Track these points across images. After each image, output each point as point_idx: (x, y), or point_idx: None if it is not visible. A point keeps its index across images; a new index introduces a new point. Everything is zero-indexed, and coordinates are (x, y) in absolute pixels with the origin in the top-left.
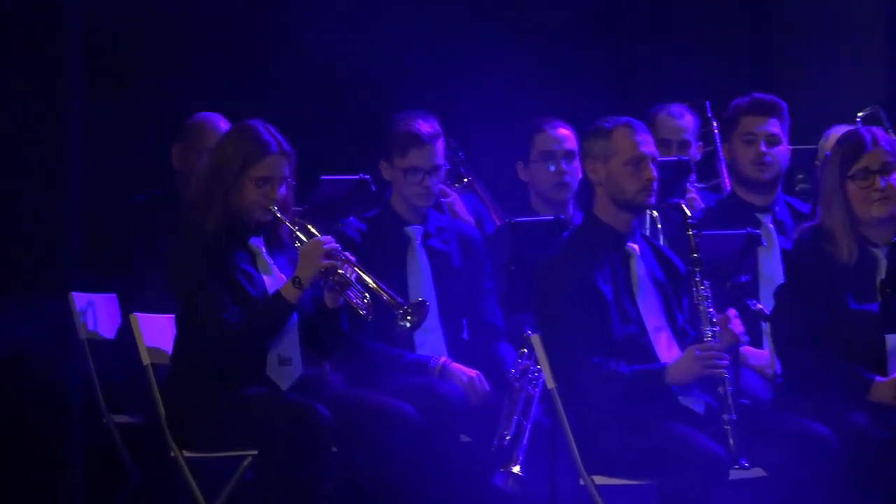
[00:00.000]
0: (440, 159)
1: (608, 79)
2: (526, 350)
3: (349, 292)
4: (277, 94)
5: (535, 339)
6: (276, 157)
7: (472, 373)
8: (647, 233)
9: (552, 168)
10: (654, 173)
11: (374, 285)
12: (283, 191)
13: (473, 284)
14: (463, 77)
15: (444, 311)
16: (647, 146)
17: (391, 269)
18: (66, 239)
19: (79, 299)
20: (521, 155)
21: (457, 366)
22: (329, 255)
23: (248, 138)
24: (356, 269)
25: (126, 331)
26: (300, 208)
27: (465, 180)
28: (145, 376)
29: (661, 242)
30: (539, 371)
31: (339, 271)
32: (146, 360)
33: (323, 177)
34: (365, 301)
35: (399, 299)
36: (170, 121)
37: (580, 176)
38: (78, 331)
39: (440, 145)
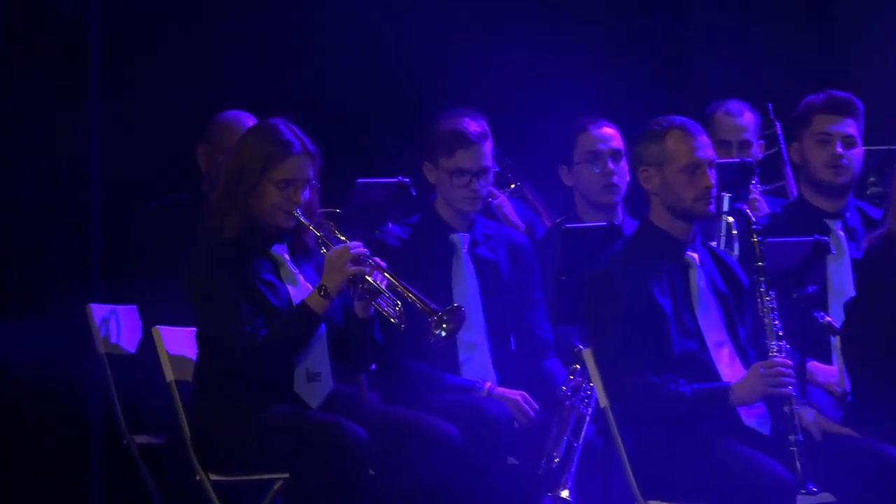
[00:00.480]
0: (488, 160)
1: (659, 76)
2: (578, 366)
3: (380, 300)
4: (309, 90)
5: (587, 355)
6: (300, 157)
7: (518, 394)
8: (723, 241)
9: (598, 169)
10: (713, 180)
11: (406, 292)
12: (307, 194)
13: (522, 296)
14: (504, 77)
15: (492, 325)
16: (704, 151)
17: (435, 280)
18: (86, 246)
19: (98, 311)
20: (563, 158)
21: (502, 390)
22: (357, 260)
23: (269, 138)
24: (387, 275)
25: (148, 345)
26: (333, 211)
27: (513, 186)
28: (168, 394)
29: (735, 251)
30: (591, 388)
31: (368, 278)
32: (170, 376)
33: (359, 180)
34: (396, 309)
35: (433, 306)
36: (194, 120)
37: (628, 178)
38: (97, 345)
39: (488, 146)
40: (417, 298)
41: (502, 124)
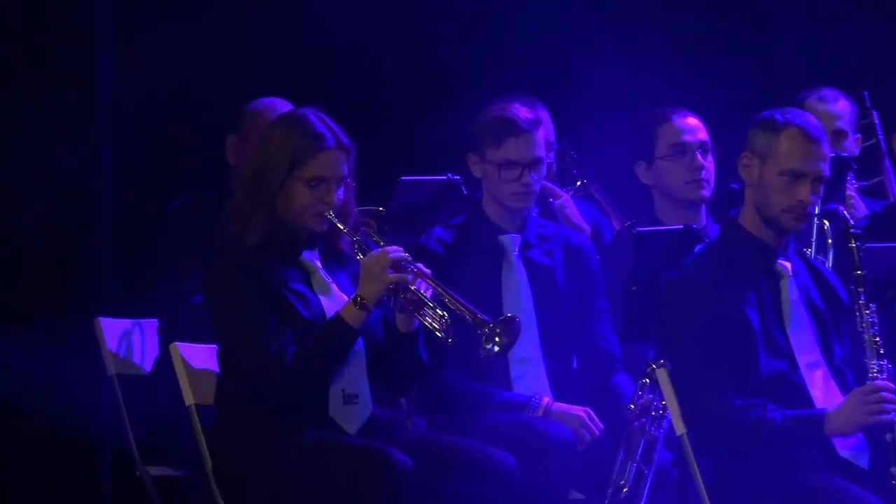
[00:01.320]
0: (541, 151)
1: (743, 62)
2: (647, 381)
3: (424, 311)
4: (346, 79)
5: (662, 374)
6: (332, 152)
7: (582, 410)
8: (814, 247)
9: (685, 164)
10: (812, 197)
11: (454, 302)
12: (340, 193)
13: (583, 305)
14: (573, 61)
15: (547, 337)
16: (816, 163)
17: (482, 288)
18: (95, 252)
19: (108, 326)
20: (642, 153)
21: (562, 405)
22: (397, 266)
23: (298, 131)
24: (431, 283)
25: (165, 364)
26: (375, 209)
27: (579, 183)
28: (188, 419)
29: (829, 260)
30: (664, 407)
31: (411, 287)
32: (189, 399)
33: (402, 178)
34: (443, 321)
35: (483, 317)
36: (216, 111)
37: (714, 176)
38: (106, 364)
39: (541, 134)
40: (466, 309)
41: (567, 115)
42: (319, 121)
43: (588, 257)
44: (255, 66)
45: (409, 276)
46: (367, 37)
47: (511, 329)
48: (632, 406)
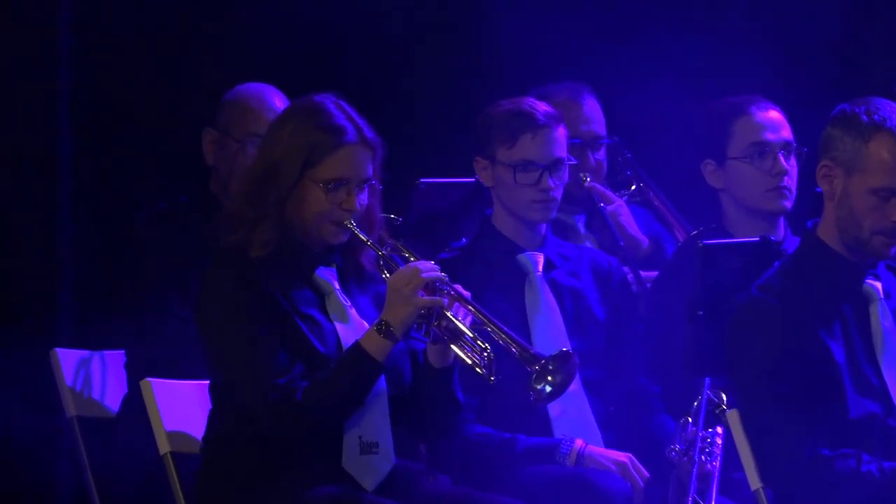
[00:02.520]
0: (562, 150)
1: (833, 52)
2: (689, 418)
3: (461, 343)
4: (351, 60)
5: (732, 417)
6: (354, 148)
7: (623, 456)
8: None
9: (766, 166)
10: None
11: (498, 331)
12: (364, 198)
13: (618, 333)
14: (627, 39)
15: (587, 370)
16: None
17: (504, 316)
18: (52, 272)
19: (66, 358)
20: (711, 151)
21: (600, 450)
22: (431, 288)
23: (312, 122)
24: (472, 308)
25: (135, 404)
26: (389, 218)
27: (634, 187)
28: (163, 471)
29: None
30: (713, 435)
31: (447, 312)
32: (164, 447)
33: (422, 180)
34: (485, 356)
35: (535, 351)
36: (190, 105)
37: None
38: (64, 404)
39: (562, 132)
40: (514, 341)
41: (620, 105)
42: (339, 110)
43: (621, 280)
44: (239, 48)
45: (445, 300)
46: (378, 3)
47: (566, 366)
48: (674, 447)
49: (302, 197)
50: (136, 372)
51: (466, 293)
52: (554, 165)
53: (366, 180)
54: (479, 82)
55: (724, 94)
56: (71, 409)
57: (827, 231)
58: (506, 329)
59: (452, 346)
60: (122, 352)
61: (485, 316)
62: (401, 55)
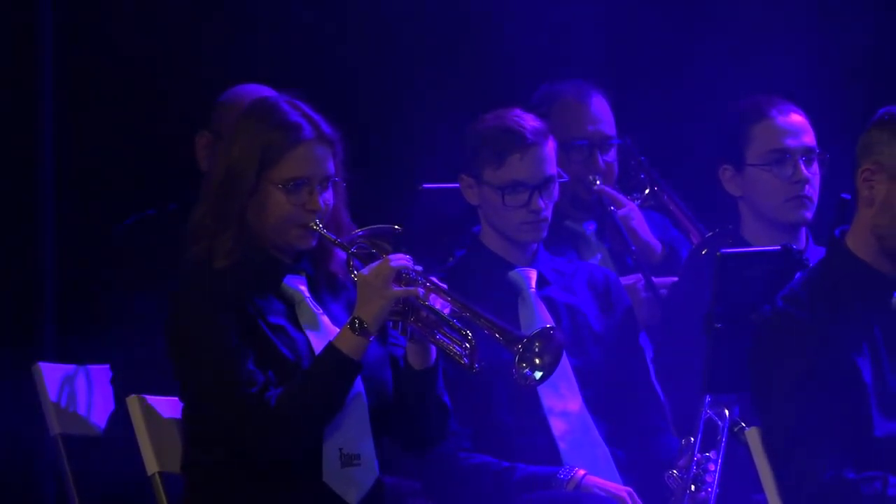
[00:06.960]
0: (552, 167)
1: (862, 53)
2: (692, 438)
3: (441, 335)
4: (351, 61)
5: (752, 435)
6: (311, 145)
7: (623, 490)
8: None
9: (786, 174)
10: None
11: (477, 316)
12: (329, 197)
13: (618, 350)
14: (638, 38)
15: (589, 389)
16: None
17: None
18: (34, 284)
19: (49, 373)
20: (729, 155)
21: (599, 481)
22: (405, 280)
23: (266, 122)
24: (448, 297)
25: (122, 421)
26: (391, 228)
27: (648, 191)
28: (151, 490)
29: None
30: (707, 460)
31: (423, 303)
32: (153, 467)
33: (424, 185)
34: (466, 346)
35: (516, 332)
36: (190, 99)
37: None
38: (48, 421)
39: (551, 147)
40: (494, 324)
41: (633, 105)
42: (293, 108)
43: (619, 293)
44: (234, 48)
45: (421, 290)
46: (378, 3)
47: (551, 344)
48: (674, 473)
49: (263, 202)
50: (122, 388)
51: (443, 284)
52: (544, 185)
53: (328, 178)
54: (486, 83)
55: (744, 94)
56: (55, 427)
57: (858, 239)
58: (485, 314)
59: (432, 340)
60: (107, 366)
61: (462, 303)
62: (402, 56)
